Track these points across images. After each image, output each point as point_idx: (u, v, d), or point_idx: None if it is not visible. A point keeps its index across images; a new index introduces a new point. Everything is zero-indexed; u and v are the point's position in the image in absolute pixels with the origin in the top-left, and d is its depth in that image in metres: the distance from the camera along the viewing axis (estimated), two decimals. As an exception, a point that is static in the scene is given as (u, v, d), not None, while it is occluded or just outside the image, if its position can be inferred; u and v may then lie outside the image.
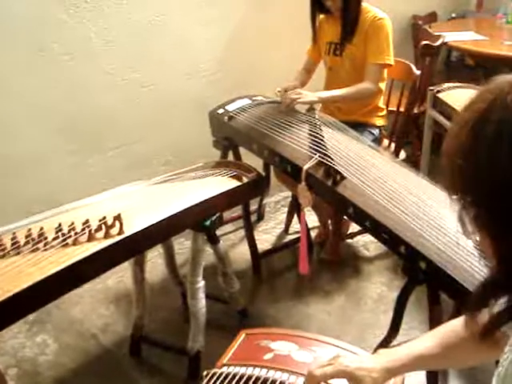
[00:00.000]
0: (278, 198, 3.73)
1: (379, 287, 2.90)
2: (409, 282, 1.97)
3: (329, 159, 2.14)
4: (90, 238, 1.73)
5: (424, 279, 1.85)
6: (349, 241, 3.24)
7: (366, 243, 3.26)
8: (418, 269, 1.82)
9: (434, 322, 1.93)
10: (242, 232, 3.31)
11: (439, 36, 3.55)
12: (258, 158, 2.57)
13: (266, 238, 3.32)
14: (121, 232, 1.77)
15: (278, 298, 2.84)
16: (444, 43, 3.56)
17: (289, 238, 3.34)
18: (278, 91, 2.72)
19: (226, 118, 2.67)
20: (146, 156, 3.20)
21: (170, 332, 2.59)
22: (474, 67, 4.60)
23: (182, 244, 3.04)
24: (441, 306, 1.96)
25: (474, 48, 3.73)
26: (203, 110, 3.04)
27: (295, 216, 3.26)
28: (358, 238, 3.25)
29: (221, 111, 2.77)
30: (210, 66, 3.33)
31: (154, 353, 2.45)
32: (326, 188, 2.10)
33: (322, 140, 2.29)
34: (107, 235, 1.75)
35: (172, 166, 3.24)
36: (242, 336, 1.44)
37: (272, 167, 2.85)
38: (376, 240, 3.12)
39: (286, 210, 3.55)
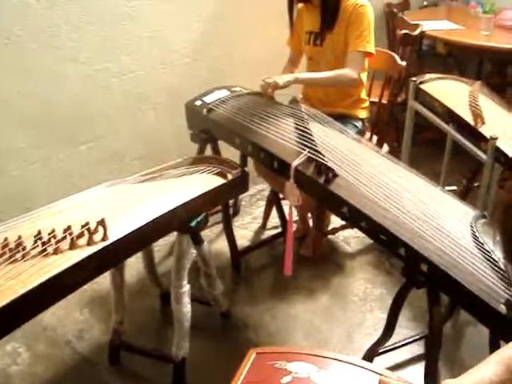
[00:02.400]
0: (253, 191, 3.61)
1: (363, 284, 2.82)
2: (407, 284, 1.89)
3: (319, 155, 2.03)
4: (73, 246, 1.59)
5: (424, 282, 1.77)
6: (329, 235, 3.15)
7: (347, 238, 3.18)
8: (419, 271, 1.73)
9: (435, 322, 1.86)
10: (218, 227, 3.21)
11: (417, 25, 3.49)
12: (235, 151, 2.47)
13: (243, 234, 3.21)
14: (105, 238, 1.64)
15: (260, 297, 2.73)
16: (422, 32, 3.49)
17: (267, 233, 3.24)
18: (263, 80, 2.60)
19: (205, 110, 2.53)
20: (118, 150, 3.05)
21: (149, 336, 2.48)
22: (445, 56, 4.57)
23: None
24: (441, 307, 1.90)
25: (451, 38, 3.68)
26: (177, 101, 2.91)
27: (273, 210, 3.18)
28: (338, 232, 3.16)
29: (199, 103, 2.63)
30: (184, 54, 3.19)
31: (135, 360, 2.32)
32: (318, 186, 1.98)
33: (310, 134, 2.18)
34: (90, 242, 1.62)
35: (146, 160, 3.14)
36: (252, 355, 1.31)
37: (251, 160, 2.73)
38: (357, 234, 3.14)
39: (261, 203, 3.46)
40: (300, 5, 2.82)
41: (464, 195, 3.25)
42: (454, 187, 3.39)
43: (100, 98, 2.89)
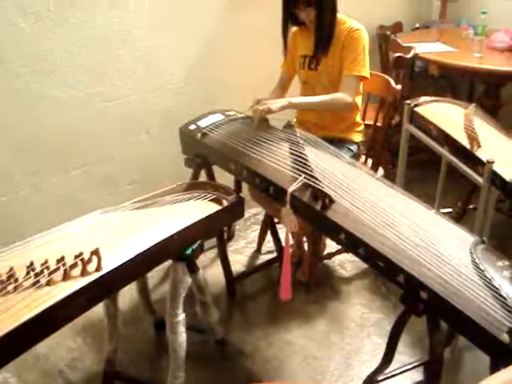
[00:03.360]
0: (247, 215, 3.56)
1: (360, 309, 2.79)
2: (407, 312, 1.86)
3: (315, 181, 2.01)
4: (66, 277, 1.56)
5: (424, 310, 1.74)
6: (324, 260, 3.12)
7: (342, 262, 3.15)
8: (419, 299, 1.70)
9: (436, 350, 1.83)
10: (212, 252, 3.18)
11: (410, 48, 3.49)
12: (229, 175, 2.43)
13: (237, 259, 3.18)
14: (99, 268, 1.61)
15: (256, 323, 2.69)
16: (416, 55, 3.50)
17: (262, 258, 3.21)
18: (250, 106, 2.57)
19: (199, 134, 2.51)
20: (111, 175, 3.03)
21: (143, 366, 2.43)
22: (437, 77, 4.57)
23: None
24: (441, 332, 1.87)
25: (444, 60, 3.67)
26: (171, 125, 2.90)
27: (267, 234, 3.15)
28: (334, 256, 3.13)
29: (193, 127, 2.61)
30: (177, 78, 3.17)
31: (129, 390, 2.28)
32: (314, 212, 1.95)
33: (305, 159, 2.15)
34: (84, 272, 1.59)
35: (139, 185, 3.11)
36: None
37: (246, 185, 2.70)
38: (352, 258, 3.11)
39: (256, 227, 3.43)
40: (294, 28, 2.81)
41: (459, 218, 3.24)
42: (450, 209, 3.38)
43: (93, 122, 2.87)
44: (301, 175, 2.05)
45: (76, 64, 2.71)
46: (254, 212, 3.62)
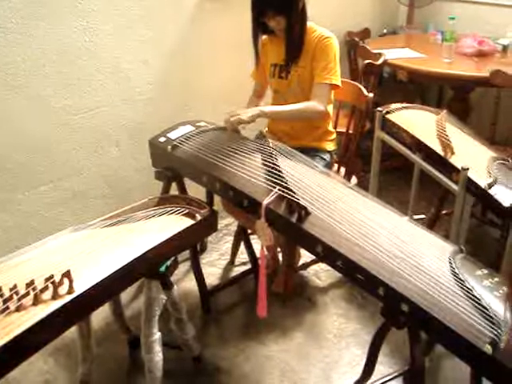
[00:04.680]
0: (219, 225, 3.49)
1: (336, 320, 2.76)
2: (386, 325, 1.84)
3: (290, 192, 1.97)
4: (36, 301, 1.50)
5: (405, 322, 1.71)
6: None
7: (317, 272, 3.12)
8: (399, 312, 1.67)
9: (417, 362, 1.82)
10: (185, 265, 3.13)
11: (380, 54, 3.50)
12: (200, 187, 2.36)
13: (211, 272, 3.13)
14: (71, 291, 1.55)
15: (232, 338, 2.65)
16: (385, 61, 3.49)
17: (236, 269, 3.16)
18: (225, 119, 2.52)
19: (170, 147, 2.45)
20: (80, 189, 2.96)
21: (118, 386, 2.37)
22: (406, 83, 4.58)
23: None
24: (421, 344, 1.85)
25: (414, 66, 3.69)
26: (141, 137, 2.86)
27: (241, 246, 3.11)
28: (309, 266, 3.10)
29: (163, 139, 2.55)
30: (146, 90, 3.12)
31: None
32: (290, 225, 1.91)
33: (279, 171, 2.12)
34: (56, 296, 1.53)
35: (109, 199, 3.05)
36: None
37: (218, 196, 2.66)
38: (327, 268, 3.08)
39: (228, 239, 3.39)
40: (264, 37, 2.78)
41: (433, 224, 3.23)
42: (423, 216, 3.37)
43: (60, 136, 2.80)
44: (275, 187, 2.01)
45: (41, 77, 2.64)
46: (226, 223, 3.57)
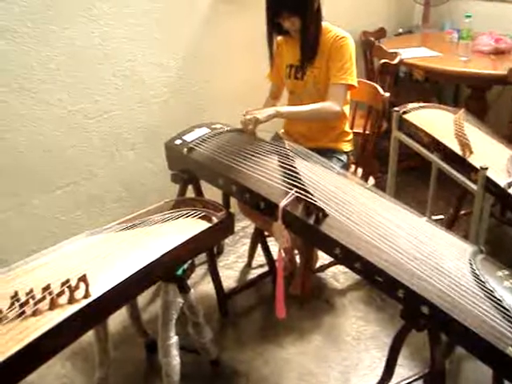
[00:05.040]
0: (236, 228, 3.47)
1: (355, 322, 2.74)
2: (406, 327, 1.81)
3: (307, 194, 1.95)
4: (53, 306, 1.49)
5: (425, 324, 1.69)
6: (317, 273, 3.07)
7: (335, 274, 3.10)
8: (420, 314, 1.65)
9: (437, 364, 1.80)
10: (202, 268, 3.12)
11: (396, 53, 3.47)
12: (216, 190, 2.35)
13: (228, 274, 3.11)
14: (87, 295, 1.54)
15: (250, 341, 2.63)
16: (401, 61, 3.46)
17: (253, 272, 3.15)
18: (243, 115, 2.51)
19: (186, 149, 2.44)
20: (96, 193, 2.95)
21: (136, 390, 2.36)
22: (422, 82, 4.55)
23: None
24: (441, 346, 1.83)
25: (430, 65, 3.66)
26: (156, 140, 2.85)
27: (258, 248, 3.09)
28: (327, 268, 3.08)
29: (178, 142, 2.54)
30: (161, 92, 3.11)
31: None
32: (307, 227, 1.89)
33: (296, 172, 2.10)
34: (72, 300, 1.52)
35: (126, 202, 3.05)
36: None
37: (234, 199, 2.64)
38: (345, 270, 3.06)
39: (245, 241, 3.38)
40: (279, 38, 2.76)
41: (451, 224, 3.20)
42: (441, 216, 3.34)
43: (75, 140, 2.79)
44: (292, 189, 1.99)
45: (56, 81, 2.64)
46: (243, 225, 3.56)
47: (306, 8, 2.51)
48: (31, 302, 1.47)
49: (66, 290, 1.53)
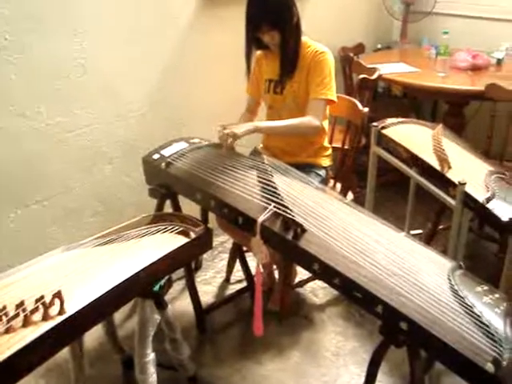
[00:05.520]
0: (214, 243, 3.44)
1: (334, 337, 2.72)
2: (385, 343, 1.80)
3: (286, 209, 1.94)
4: (26, 323, 1.46)
5: (404, 341, 1.68)
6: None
7: (314, 289, 3.08)
8: (398, 330, 1.64)
9: (416, 378, 1.77)
10: (180, 284, 3.09)
11: (375, 69, 3.49)
12: (194, 204, 2.33)
13: (206, 290, 3.08)
14: (62, 311, 1.52)
15: (228, 357, 2.60)
16: (380, 76, 3.48)
17: (231, 287, 3.12)
18: (218, 131, 2.49)
19: (164, 164, 2.42)
20: (73, 207, 2.91)
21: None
22: (400, 97, 4.59)
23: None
24: (421, 361, 1.81)
25: (408, 80, 3.68)
26: (134, 154, 2.82)
27: (236, 263, 3.07)
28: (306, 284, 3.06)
29: (156, 156, 2.53)
30: (139, 106, 3.09)
31: None
32: (286, 242, 1.88)
33: (275, 188, 2.09)
34: (46, 317, 1.50)
35: (102, 217, 3.01)
36: None
37: (213, 214, 2.62)
38: (324, 285, 3.04)
39: (224, 256, 3.35)
40: (258, 52, 2.76)
41: (430, 239, 3.21)
42: (419, 231, 3.35)
43: (53, 153, 2.75)
44: (270, 204, 1.98)
45: (35, 94, 2.60)
46: (222, 240, 3.54)
47: (285, 22, 2.51)
48: (4, 319, 1.45)
49: (41, 306, 1.50)
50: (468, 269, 1.89)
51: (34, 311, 1.49)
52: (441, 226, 3.31)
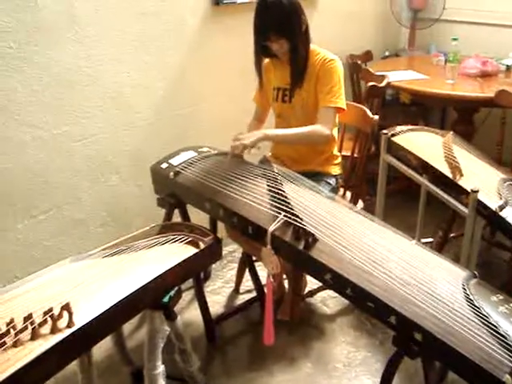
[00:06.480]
0: (223, 252, 3.43)
1: (345, 348, 2.69)
2: (399, 354, 1.77)
3: (296, 219, 1.91)
4: (35, 336, 1.44)
5: (419, 352, 1.64)
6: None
7: (325, 299, 3.05)
8: (413, 341, 1.60)
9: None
10: (189, 294, 3.06)
11: (383, 76, 3.46)
12: (203, 214, 2.32)
13: (215, 300, 3.06)
14: (70, 324, 1.49)
15: (238, 368, 2.57)
16: (389, 83, 3.46)
17: (241, 297, 3.10)
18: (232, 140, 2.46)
19: (172, 173, 2.40)
20: (81, 218, 2.89)
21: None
22: (409, 105, 4.56)
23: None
24: (435, 373, 1.78)
25: (417, 87, 3.65)
26: (142, 164, 2.80)
27: (246, 273, 3.04)
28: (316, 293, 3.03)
29: (165, 166, 2.51)
30: (147, 115, 3.07)
31: None
32: (297, 252, 1.85)
33: (285, 196, 2.06)
34: (55, 329, 1.47)
35: (110, 228, 2.99)
36: None
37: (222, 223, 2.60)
38: (334, 294, 3.01)
39: (233, 266, 3.33)
40: (266, 60, 2.74)
41: (441, 247, 3.17)
42: (430, 239, 3.31)
43: (60, 163, 2.74)
44: (281, 213, 1.95)
45: (41, 103, 2.59)
46: (231, 249, 3.51)
47: (293, 30, 2.49)
48: (12, 332, 1.42)
49: (49, 319, 1.48)
50: (480, 277, 1.86)
51: (42, 324, 1.47)
52: (452, 234, 3.27)
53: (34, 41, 2.51)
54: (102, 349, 2.59)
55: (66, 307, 1.50)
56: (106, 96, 2.85)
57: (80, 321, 1.50)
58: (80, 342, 1.51)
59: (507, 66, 3.97)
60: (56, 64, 2.60)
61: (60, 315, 1.49)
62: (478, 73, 3.84)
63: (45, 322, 1.47)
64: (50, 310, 1.48)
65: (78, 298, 1.60)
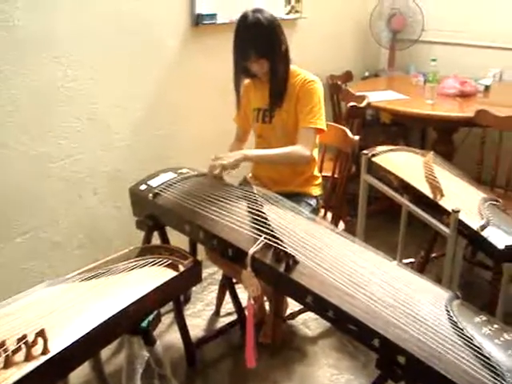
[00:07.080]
0: (203, 274, 3.38)
1: (328, 370, 2.66)
2: (382, 378, 1.74)
3: (277, 241, 1.89)
4: (8, 364, 1.39)
5: (402, 375, 1.62)
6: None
7: (306, 321, 3.03)
8: (396, 364, 1.58)
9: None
10: (168, 317, 3.01)
11: (363, 97, 3.47)
12: (183, 236, 2.28)
13: (196, 323, 3.01)
14: (45, 351, 1.45)
15: (220, 393, 2.53)
16: (369, 104, 3.46)
17: (221, 320, 3.06)
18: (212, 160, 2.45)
19: (151, 195, 2.37)
20: (58, 240, 2.84)
21: None
22: (389, 125, 4.57)
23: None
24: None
25: (397, 108, 3.67)
26: (120, 185, 2.77)
27: (226, 295, 3.01)
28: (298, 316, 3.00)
29: (143, 187, 2.48)
30: (125, 135, 3.04)
31: None
32: (278, 275, 1.82)
33: (265, 218, 2.04)
34: (29, 357, 1.42)
35: (88, 250, 2.95)
36: None
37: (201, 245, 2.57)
38: (316, 316, 2.97)
39: (213, 288, 3.29)
40: (247, 81, 2.73)
41: (423, 267, 3.16)
42: (412, 259, 3.31)
43: (36, 185, 2.69)
44: (261, 235, 1.93)
45: (16, 123, 2.55)
46: (211, 272, 3.47)
47: (273, 50, 2.49)
48: (-16, 360, 1.37)
49: (23, 346, 1.43)
50: (462, 297, 1.84)
51: (15, 351, 1.42)
52: (433, 254, 3.27)
53: (8, 59, 2.47)
54: (80, 374, 2.52)
55: (41, 334, 1.45)
56: (84, 117, 2.82)
57: (56, 347, 1.46)
58: (56, 369, 1.47)
59: (486, 85, 4.02)
60: (32, 84, 2.57)
61: (34, 342, 1.45)
62: (457, 93, 3.88)
63: (19, 349, 1.43)
64: (24, 336, 1.44)
65: (54, 323, 1.56)
